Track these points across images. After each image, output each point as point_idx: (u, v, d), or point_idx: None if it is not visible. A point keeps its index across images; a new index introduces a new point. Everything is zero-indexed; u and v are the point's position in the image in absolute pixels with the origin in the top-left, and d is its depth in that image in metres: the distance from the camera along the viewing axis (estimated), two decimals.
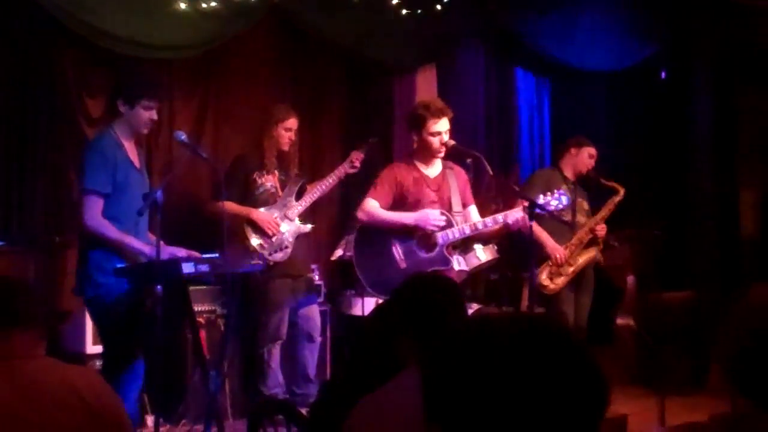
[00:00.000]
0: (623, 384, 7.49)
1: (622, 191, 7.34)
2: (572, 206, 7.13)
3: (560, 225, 7.12)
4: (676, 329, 8.24)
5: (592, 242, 7.32)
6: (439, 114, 6.07)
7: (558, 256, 7.07)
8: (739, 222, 9.09)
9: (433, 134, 6.07)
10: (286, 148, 6.95)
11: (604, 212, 7.35)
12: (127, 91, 5.52)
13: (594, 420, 1.48)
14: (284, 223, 6.84)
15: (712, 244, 9.09)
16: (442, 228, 6.07)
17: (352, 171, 7.05)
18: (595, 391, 1.48)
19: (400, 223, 6.08)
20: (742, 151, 9.15)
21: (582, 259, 7.24)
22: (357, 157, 7.04)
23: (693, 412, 6.11)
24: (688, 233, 9.20)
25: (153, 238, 5.44)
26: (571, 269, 7.17)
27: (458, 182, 6.28)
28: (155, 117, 5.58)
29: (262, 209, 6.82)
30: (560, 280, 7.12)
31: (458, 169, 6.37)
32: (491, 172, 6.34)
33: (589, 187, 7.51)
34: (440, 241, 6.05)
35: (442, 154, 6.21)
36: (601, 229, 7.29)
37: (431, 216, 6.05)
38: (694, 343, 8.33)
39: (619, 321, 8.39)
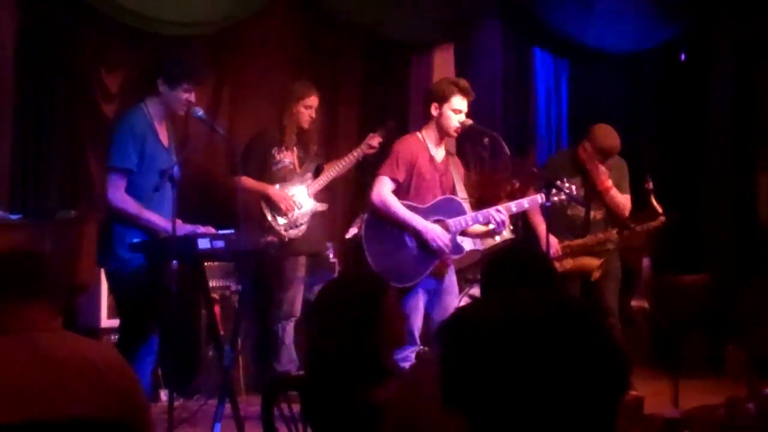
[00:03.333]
0: (638, 366, 7.46)
1: (660, 220, 6.98)
2: (587, 200, 6.96)
3: (571, 219, 6.97)
4: (691, 312, 8.22)
5: (604, 252, 7.01)
6: (466, 93, 5.96)
7: (551, 252, 6.61)
8: (757, 205, 9.05)
9: (454, 111, 5.96)
10: (306, 125, 6.93)
11: (629, 233, 7.05)
12: (170, 71, 5.50)
13: (613, 402, 1.47)
14: (300, 201, 6.84)
15: (728, 227, 9.06)
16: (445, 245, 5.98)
17: (369, 152, 7.04)
18: (616, 374, 1.47)
19: (408, 224, 5.96)
20: (761, 134, 9.09)
21: (574, 264, 6.92)
22: (375, 140, 7.03)
23: (707, 395, 6.11)
24: (704, 216, 9.16)
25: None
26: (558, 267, 6.75)
27: (458, 172, 6.23)
28: (193, 99, 5.57)
29: (278, 186, 6.82)
30: None
31: (457, 160, 6.31)
32: (508, 153, 6.30)
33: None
34: (452, 228, 5.96)
35: (455, 135, 6.13)
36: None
37: (440, 234, 5.93)
38: (709, 326, 8.32)
39: (634, 303, 8.37)
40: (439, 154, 6.09)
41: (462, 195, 6.11)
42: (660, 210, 6.96)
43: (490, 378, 1.43)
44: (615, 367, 1.46)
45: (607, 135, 6.88)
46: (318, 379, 3.13)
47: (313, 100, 6.92)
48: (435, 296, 6.00)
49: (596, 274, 6.92)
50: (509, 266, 3.26)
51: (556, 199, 6.07)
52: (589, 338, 1.46)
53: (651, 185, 6.94)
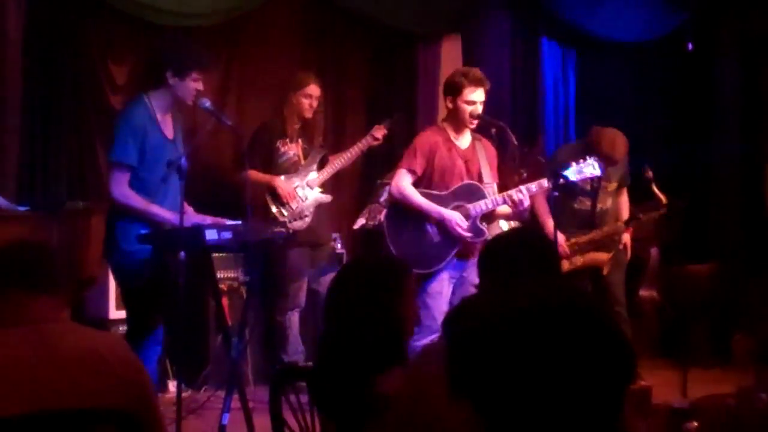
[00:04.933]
0: (646, 356, 7.47)
1: (663, 207, 6.94)
2: (593, 193, 6.94)
3: (578, 212, 6.95)
4: (699, 301, 8.21)
5: (612, 245, 7.00)
6: (477, 83, 5.99)
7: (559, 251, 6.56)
8: (765, 194, 9.02)
9: (468, 102, 5.98)
10: (307, 115, 6.93)
11: (633, 224, 7.03)
12: (177, 63, 5.50)
13: (619, 393, 1.47)
14: (304, 192, 6.84)
15: (736, 216, 9.04)
16: (468, 228, 5.98)
17: (374, 144, 7.05)
18: (622, 363, 1.47)
19: (427, 212, 5.98)
20: None
21: (583, 261, 6.90)
22: (379, 132, 7.03)
23: (716, 385, 6.11)
24: (712, 205, 9.15)
25: (186, 207, 5.45)
26: (566, 267, 6.81)
27: (487, 155, 6.22)
28: (201, 87, 5.57)
29: (283, 177, 6.83)
30: None
31: (486, 142, 6.29)
32: (516, 143, 6.29)
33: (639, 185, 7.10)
34: (473, 212, 5.98)
35: (473, 126, 6.14)
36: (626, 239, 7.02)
37: (459, 220, 5.95)
38: (718, 316, 8.31)
39: (642, 293, 8.35)
40: (463, 141, 6.12)
41: (488, 180, 6.11)
42: (662, 197, 6.94)
43: (496, 368, 1.43)
44: (621, 357, 1.46)
45: (615, 144, 6.77)
46: (332, 362, 3.11)
47: (312, 89, 6.90)
48: (458, 284, 6.02)
49: (606, 269, 6.92)
50: (505, 251, 3.22)
51: (578, 166, 6.01)
52: (595, 329, 1.46)
53: (650, 174, 6.92)
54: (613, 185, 7.05)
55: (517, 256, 3.14)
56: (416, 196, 5.97)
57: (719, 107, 9.23)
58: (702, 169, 9.23)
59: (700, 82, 9.37)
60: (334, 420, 3.06)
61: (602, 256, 6.93)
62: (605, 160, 6.66)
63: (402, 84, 8.34)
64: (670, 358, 7.52)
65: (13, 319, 2.78)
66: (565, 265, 6.82)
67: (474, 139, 6.19)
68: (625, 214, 7.11)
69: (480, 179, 6.11)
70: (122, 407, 2.75)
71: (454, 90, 6.02)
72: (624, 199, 7.18)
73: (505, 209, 6.11)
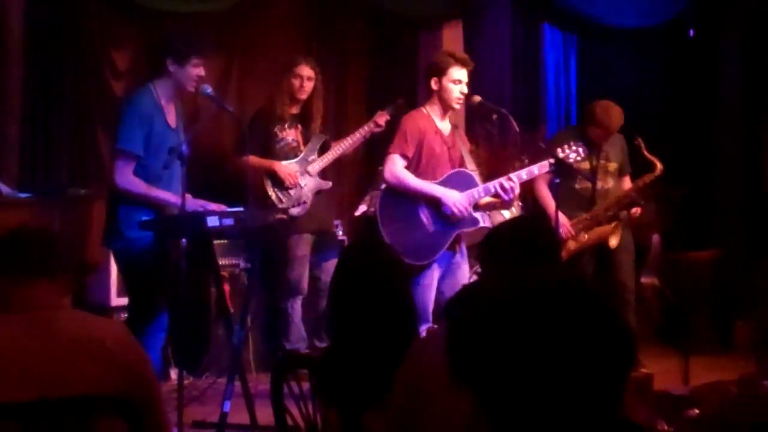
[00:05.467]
0: (647, 343, 7.47)
1: (659, 169, 6.90)
2: (593, 173, 6.94)
3: (579, 193, 6.95)
4: (700, 288, 8.21)
5: (615, 217, 6.97)
6: (463, 63, 5.97)
7: (561, 231, 6.58)
8: (766, 181, 9.02)
9: (454, 82, 5.97)
10: (299, 96, 6.84)
11: (632, 189, 7.02)
12: (177, 50, 5.50)
13: (620, 379, 1.47)
14: (304, 178, 6.82)
15: (737, 202, 9.03)
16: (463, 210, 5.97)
17: (377, 130, 7.01)
18: (623, 349, 1.47)
19: (426, 193, 5.95)
20: None
21: (589, 237, 6.89)
22: (382, 118, 6.99)
23: (717, 372, 6.11)
24: (713, 192, 9.14)
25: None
26: (574, 246, 6.84)
27: (464, 145, 6.22)
28: (203, 73, 5.58)
29: (283, 162, 6.81)
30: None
31: (462, 133, 6.30)
32: (517, 129, 6.28)
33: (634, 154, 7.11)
34: (466, 201, 5.98)
35: (458, 106, 6.12)
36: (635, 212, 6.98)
37: (457, 198, 5.93)
38: (719, 303, 8.31)
39: (644, 280, 8.35)
40: (445, 127, 6.10)
41: (471, 167, 6.11)
42: (656, 161, 6.94)
43: (496, 353, 1.43)
44: (621, 342, 1.46)
45: (609, 111, 6.85)
46: (347, 350, 3.10)
47: (302, 69, 6.82)
48: (447, 272, 6.01)
49: (613, 241, 6.92)
50: (507, 239, 3.22)
51: (562, 154, 6.03)
52: (595, 314, 1.45)
53: (640, 141, 6.95)
54: (613, 165, 7.06)
55: (519, 244, 3.13)
56: (413, 179, 5.94)
57: (721, 94, 9.22)
58: (703, 155, 9.22)
59: (702, 69, 9.35)
60: (340, 408, 3.05)
61: (606, 229, 6.93)
62: (601, 128, 6.71)
63: (403, 71, 8.32)
64: (672, 345, 7.51)
65: (14, 305, 2.78)
66: (572, 245, 6.83)
67: (452, 127, 6.18)
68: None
69: (462, 166, 6.10)
70: (123, 394, 2.76)
71: (439, 70, 5.98)
72: (627, 187, 7.17)
73: (489, 199, 6.08)
